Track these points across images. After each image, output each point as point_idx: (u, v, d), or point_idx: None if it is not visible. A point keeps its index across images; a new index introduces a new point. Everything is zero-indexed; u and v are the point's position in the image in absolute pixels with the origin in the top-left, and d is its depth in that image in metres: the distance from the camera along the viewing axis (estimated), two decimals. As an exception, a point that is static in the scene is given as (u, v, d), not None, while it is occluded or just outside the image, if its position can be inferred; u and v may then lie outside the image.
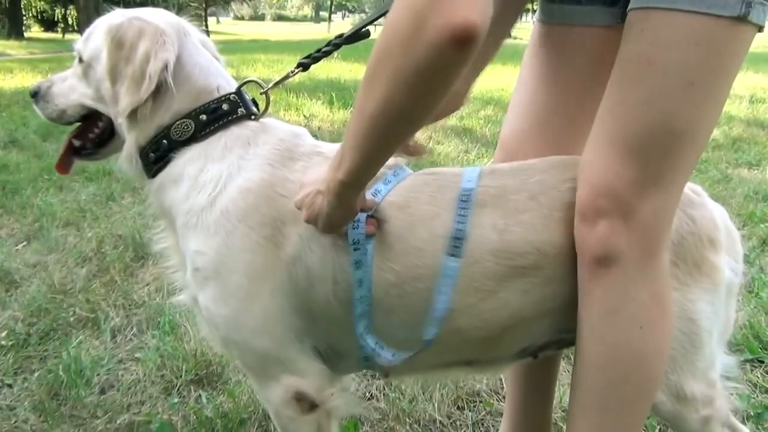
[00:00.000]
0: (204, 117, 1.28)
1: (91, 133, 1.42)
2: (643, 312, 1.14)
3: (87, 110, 1.39)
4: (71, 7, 31.30)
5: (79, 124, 1.43)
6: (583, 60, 1.36)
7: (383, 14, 1.24)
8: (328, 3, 69.46)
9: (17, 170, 4.42)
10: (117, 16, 1.33)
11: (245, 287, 1.20)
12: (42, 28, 33.03)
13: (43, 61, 13.97)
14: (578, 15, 1.34)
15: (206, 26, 33.53)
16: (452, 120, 6.50)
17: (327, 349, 1.29)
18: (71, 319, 2.43)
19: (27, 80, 9.69)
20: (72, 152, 1.44)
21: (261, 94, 1.36)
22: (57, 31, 31.93)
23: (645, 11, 1.09)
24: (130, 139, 1.32)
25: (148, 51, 1.24)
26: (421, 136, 5.60)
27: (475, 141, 5.56)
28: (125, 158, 1.35)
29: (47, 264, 2.93)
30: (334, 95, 7.37)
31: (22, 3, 29.64)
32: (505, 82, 8.78)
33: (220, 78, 1.34)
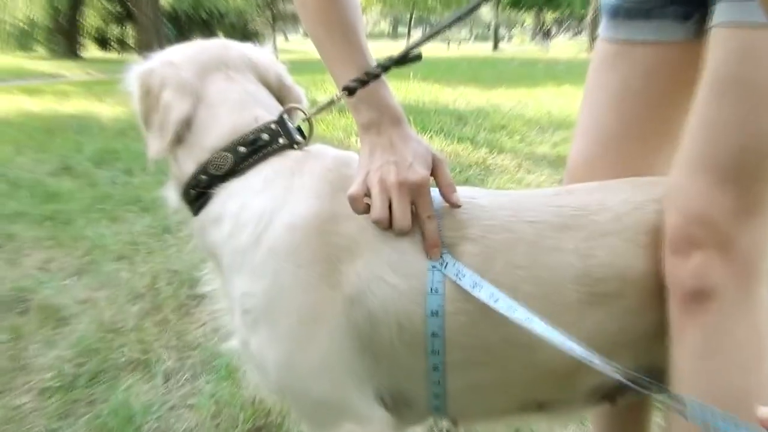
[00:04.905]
0: (242, 149, 1.32)
1: None
2: (743, 350, 1.14)
3: None
4: (128, 25, 32.69)
5: None
6: (655, 79, 1.38)
7: (436, 34, 1.28)
8: (408, 18, 70.37)
9: (70, 199, 4.64)
10: (149, 62, 1.42)
11: (298, 330, 1.23)
12: (99, 48, 34.56)
13: (99, 83, 14.58)
14: (647, 31, 1.37)
15: (274, 44, 34.44)
16: (545, 147, 6.47)
17: (393, 395, 1.30)
18: (121, 360, 2.52)
19: (82, 104, 10.17)
20: None
21: (303, 121, 1.40)
22: (110, 50, 33.40)
23: (732, 28, 1.11)
24: (172, 178, 1.41)
25: (169, 101, 1.33)
26: (510, 163, 5.62)
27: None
28: (170, 197, 1.43)
29: (98, 300, 3.05)
30: (411, 119, 7.44)
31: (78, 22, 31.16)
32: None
33: (259, 108, 1.39)
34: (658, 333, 1.20)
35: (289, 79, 1.52)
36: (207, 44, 1.47)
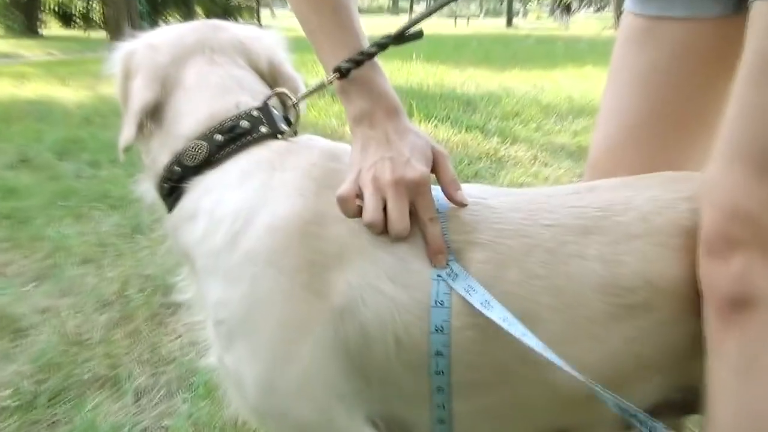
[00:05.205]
0: (219, 137, 1.32)
1: None
2: None
3: None
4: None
5: None
6: (686, 59, 1.39)
7: (440, 7, 1.28)
8: (409, -10, 70.45)
9: (28, 195, 4.63)
10: (134, 42, 1.45)
11: (278, 344, 1.21)
12: (61, 24, 34.46)
13: (62, 64, 14.54)
14: (679, 5, 1.37)
15: (258, 20, 34.40)
16: (564, 136, 6.47)
17: (387, 420, 1.29)
18: (87, 376, 2.51)
19: (43, 87, 10.15)
20: None
21: (290, 106, 1.40)
22: (74, 27, 33.32)
23: None
24: (146, 169, 1.43)
25: (136, 88, 1.36)
26: (524, 155, 5.61)
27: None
28: (145, 191, 1.45)
29: (60, 309, 3.04)
30: (414, 104, 7.42)
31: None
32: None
33: (243, 94, 1.39)
34: (693, 348, 1.19)
35: (287, 67, 1.52)
36: (195, 25, 1.48)
